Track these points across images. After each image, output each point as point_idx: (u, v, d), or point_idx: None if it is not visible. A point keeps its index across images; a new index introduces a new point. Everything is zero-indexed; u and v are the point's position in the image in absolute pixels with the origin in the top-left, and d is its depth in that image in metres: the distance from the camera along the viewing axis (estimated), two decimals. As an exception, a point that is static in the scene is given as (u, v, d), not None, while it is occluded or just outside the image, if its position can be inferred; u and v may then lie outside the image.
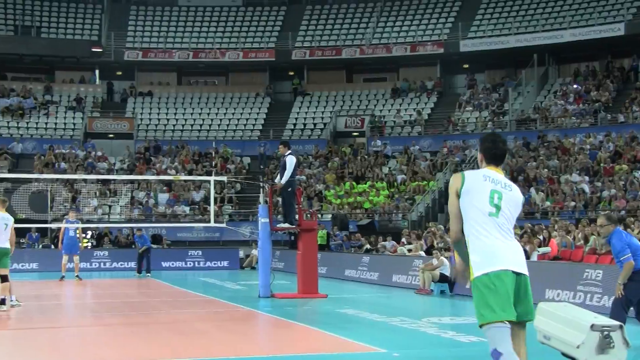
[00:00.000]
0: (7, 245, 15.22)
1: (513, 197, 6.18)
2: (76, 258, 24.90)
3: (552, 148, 34.50)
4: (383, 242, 26.73)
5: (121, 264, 30.55)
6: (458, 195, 6.16)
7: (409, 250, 24.25)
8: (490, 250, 5.96)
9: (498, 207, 6.07)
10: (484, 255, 5.98)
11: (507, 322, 5.84)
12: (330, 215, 33.70)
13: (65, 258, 24.66)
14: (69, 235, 24.57)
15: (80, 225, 25.55)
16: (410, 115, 42.79)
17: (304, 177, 36.88)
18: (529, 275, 6.07)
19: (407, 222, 32.40)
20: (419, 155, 38.23)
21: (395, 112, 43.22)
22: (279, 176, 18.95)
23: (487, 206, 6.06)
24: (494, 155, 6.30)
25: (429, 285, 19.72)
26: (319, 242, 22.95)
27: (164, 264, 30.93)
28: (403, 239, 26.30)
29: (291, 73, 48.48)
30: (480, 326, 5.94)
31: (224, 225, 23.53)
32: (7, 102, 43.49)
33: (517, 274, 5.97)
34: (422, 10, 47.93)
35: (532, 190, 30.66)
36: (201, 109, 46.22)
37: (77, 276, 24.56)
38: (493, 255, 5.95)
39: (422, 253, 22.84)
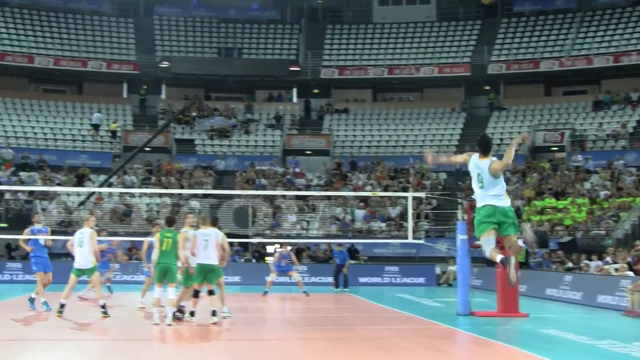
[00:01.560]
0: (211, 261, 15.65)
1: (486, 170, 11.43)
2: (296, 275, 25.53)
3: None
4: (586, 261, 25.67)
5: (319, 279, 31.05)
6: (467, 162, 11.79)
7: (616, 270, 23.12)
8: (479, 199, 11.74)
9: (482, 182, 11.54)
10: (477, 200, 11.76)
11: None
12: (529, 232, 32.74)
13: (272, 275, 25.28)
14: (279, 265, 25.29)
15: (294, 263, 25.87)
16: (614, 129, 40.96)
17: (501, 193, 36.05)
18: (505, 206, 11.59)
19: (611, 240, 30.96)
20: (624, 170, 36.49)
21: (597, 126, 41.55)
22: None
23: (477, 183, 11.67)
24: (482, 149, 11.70)
25: (638, 307, 18.72)
26: (518, 260, 22.30)
27: (361, 280, 31.17)
28: (608, 258, 25.13)
29: (487, 87, 47.76)
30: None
31: (421, 241, 23.36)
32: (212, 123, 45.48)
33: (495, 206, 11.51)
34: (626, 18, 45.92)
35: None
36: (396, 125, 46.40)
37: (304, 292, 25.01)
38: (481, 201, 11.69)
39: (630, 273, 21.72)
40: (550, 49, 46.17)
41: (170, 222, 16.17)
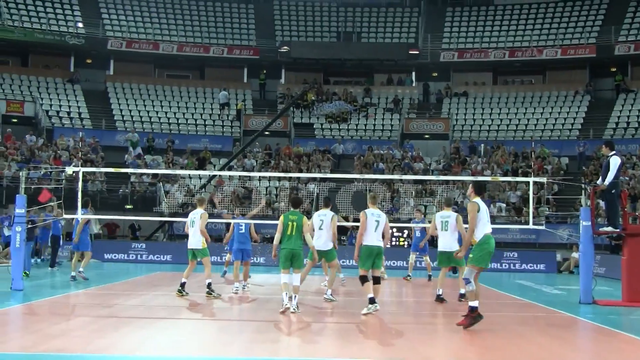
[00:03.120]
0: (380, 244, 14.61)
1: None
2: (427, 259, 25.27)
3: None
4: None
5: (436, 264, 30.71)
6: (478, 211, 12.95)
7: None
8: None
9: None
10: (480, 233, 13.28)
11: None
12: (656, 219, 31.55)
13: (412, 257, 25.04)
14: (416, 236, 24.97)
15: (426, 224, 25.01)
16: None
17: (627, 179, 34.91)
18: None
19: None
20: None
21: None
22: (601, 177, 18.08)
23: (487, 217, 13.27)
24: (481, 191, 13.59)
25: None
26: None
27: (479, 265, 30.71)
28: None
29: (613, 69, 46.19)
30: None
31: (542, 227, 22.75)
32: (331, 108, 45.70)
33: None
34: None
35: None
36: (517, 108, 45.47)
37: (429, 275, 24.87)
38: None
39: None
40: (682, 28, 44.31)
41: (296, 203, 14.92)
